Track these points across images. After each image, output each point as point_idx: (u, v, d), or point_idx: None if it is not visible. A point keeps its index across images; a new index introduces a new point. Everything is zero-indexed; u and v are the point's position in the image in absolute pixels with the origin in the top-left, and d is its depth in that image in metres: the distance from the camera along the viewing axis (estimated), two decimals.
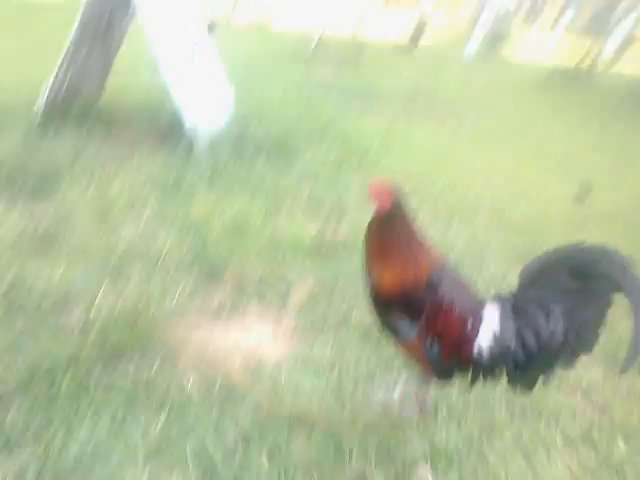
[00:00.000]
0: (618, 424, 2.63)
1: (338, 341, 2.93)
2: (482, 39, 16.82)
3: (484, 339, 2.05)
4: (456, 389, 2.68)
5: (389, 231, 2.11)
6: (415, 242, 2.14)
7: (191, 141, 4.98)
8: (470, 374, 2.16)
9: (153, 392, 2.39)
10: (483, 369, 2.12)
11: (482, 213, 4.84)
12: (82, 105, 5.41)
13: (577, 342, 1.99)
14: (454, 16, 30.18)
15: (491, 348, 2.05)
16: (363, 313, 3.14)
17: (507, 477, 2.25)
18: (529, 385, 2.11)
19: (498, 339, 2.04)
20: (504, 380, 2.13)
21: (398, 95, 9.27)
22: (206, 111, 5.28)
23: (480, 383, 2.17)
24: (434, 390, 2.64)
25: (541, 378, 2.08)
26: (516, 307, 2.07)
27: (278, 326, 3.01)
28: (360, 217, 4.15)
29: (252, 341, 2.85)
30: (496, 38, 17.55)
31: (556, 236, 4.49)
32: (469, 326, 2.07)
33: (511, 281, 3.44)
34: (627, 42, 17.54)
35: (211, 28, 9.02)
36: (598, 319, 1.97)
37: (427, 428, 2.43)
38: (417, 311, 2.09)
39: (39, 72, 5.43)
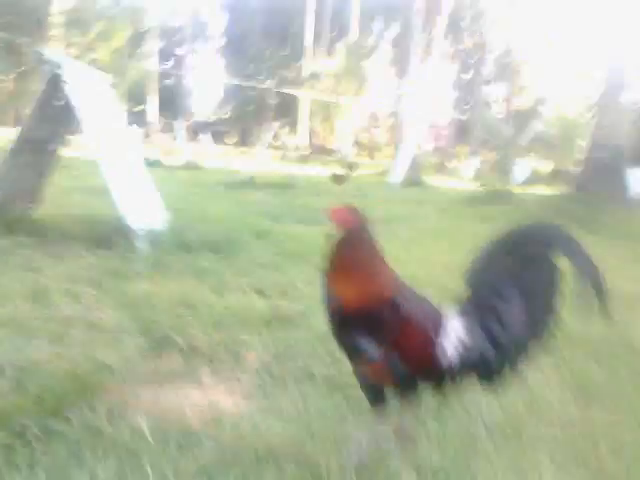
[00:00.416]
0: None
1: (303, 394, 2.73)
2: (403, 170, 17.94)
3: (449, 347, 2.00)
4: (435, 423, 2.52)
5: (353, 249, 2.09)
6: (378, 260, 2.12)
7: (131, 241, 4.88)
8: (441, 384, 2.07)
9: (101, 439, 2.12)
10: (454, 376, 2.04)
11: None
12: (15, 215, 5.29)
13: (543, 317, 1.98)
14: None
15: (458, 354, 2.00)
16: (326, 369, 2.98)
17: None
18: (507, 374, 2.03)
19: (463, 344, 2.00)
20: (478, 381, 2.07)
21: None
22: (146, 214, 5.26)
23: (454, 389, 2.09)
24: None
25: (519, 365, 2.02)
26: (474, 307, 2.04)
27: (236, 384, 2.79)
28: (310, 294, 4.07)
29: (209, 397, 2.62)
30: (416, 169, 18.76)
31: None
32: (432, 338, 2.02)
33: None
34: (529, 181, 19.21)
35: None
36: (553, 288, 1.98)
37: (407, 450, 2.23)
38: (380, 330, 2.02)
39: None
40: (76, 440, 2.09)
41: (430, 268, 5.77)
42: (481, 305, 2.02)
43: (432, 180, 20.22)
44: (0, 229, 4.75)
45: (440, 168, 33.45)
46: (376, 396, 2.13)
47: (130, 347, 2.89)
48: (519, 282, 1.98)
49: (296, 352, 3.19)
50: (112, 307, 3.38)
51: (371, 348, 2.03)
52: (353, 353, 2.11)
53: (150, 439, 2.16)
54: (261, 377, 2.88)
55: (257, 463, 2.07)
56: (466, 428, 2.52)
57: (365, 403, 2.60)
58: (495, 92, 46.89)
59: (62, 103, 5.32)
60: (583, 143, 17.72)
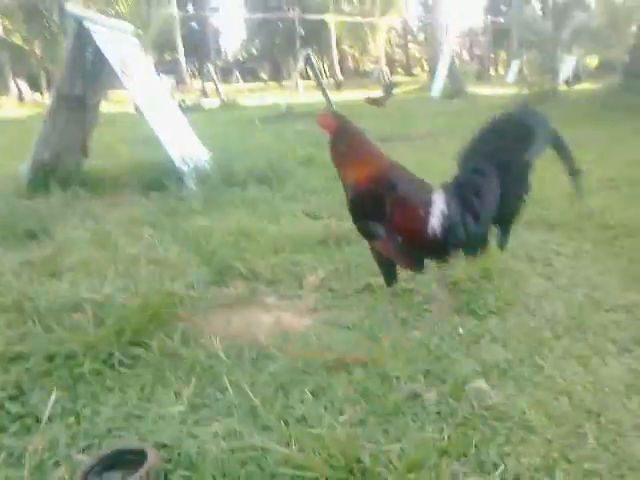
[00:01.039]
0: None
1: (364, 304, 2.82)
2: (442, 82, 17.41)
3: (436, 220, 2.32)
4: (495, 319, 2.57)
5: (343, 144, 2.48)
6: (367, 149, 2.50)
7: (180, 182, 5.00)
8: (434, 253, 2.46)
9: (180, 361, 2.26)
10: (442, 245, 2.37)
11: None
12: (65, 170, 5.45)
13: (516, 189, 2.33)
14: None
15: (442, 225, 2.32)
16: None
17: (565, 381, 2.08)
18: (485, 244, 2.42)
19: (447, 216, 2.31)
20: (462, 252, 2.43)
21: (377, 131, 9.43)
22: (191, 155, 5.34)
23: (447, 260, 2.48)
24: (472, 320, 2.57)
25: (498, 237, 2.45)
26: (457, 183, 2.39)
27: (299, 302, 2.90)
28: None
29: (275, 316, 2.73)
30: (456, 80, 18.16)
31: (557, 202, 4.43)
32: (422, 213, 2.34)
33: (524, 240, 3.62)
34: (576, 79, 18.35)
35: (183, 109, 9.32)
36: (527, 168, 2.33)
37: (472, 350, 2.30)
38: (381, 208, 2.36)
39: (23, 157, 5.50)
40: (158, 364, 2.24)
41: None
42: (463, 181, 2.37)
43: (474, 90, 19.59)
44: (56, 184, 4.93)
45: (481, 76, 32.34)
46: (388, 273, 2.61)
47: (195, 278, 3.01)
48: (497, 161, 2.29)
49: (352, 267, 3.27)
50: (172, 243, 3.51)
51: (378, 229, 2.40)
52: (366, 234, 2.50)
53: (225, 358, 2.29)
54: (322, 293, 2.98)
55: (327, 373, 2.17)
56: (526, 322, 2.56)
57: (423, 305, 2.73)
58: None
59: (91, 56, 5.39)
60: (634, 29, 16.70)
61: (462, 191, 2.34)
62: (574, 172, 2.33)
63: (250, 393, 2.01)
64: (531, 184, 2.34)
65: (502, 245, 2.49)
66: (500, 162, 2.29)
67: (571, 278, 3.05)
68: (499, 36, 45.68)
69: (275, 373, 2.16)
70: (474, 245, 2.40)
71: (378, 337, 2.42)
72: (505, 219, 2.40)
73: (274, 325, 2.63)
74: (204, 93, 21.85)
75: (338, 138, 2.47)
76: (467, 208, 2.31)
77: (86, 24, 4.95)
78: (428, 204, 2.34)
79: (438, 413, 1.91)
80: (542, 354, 2.27)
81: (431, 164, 6.16)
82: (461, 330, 2.47)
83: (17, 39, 30.37)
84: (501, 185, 2.29)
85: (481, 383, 2.06)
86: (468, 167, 2.37)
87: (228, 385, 2.08)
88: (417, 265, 2.50)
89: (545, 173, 5.18)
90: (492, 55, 38.09)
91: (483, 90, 20.87)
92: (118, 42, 5.51)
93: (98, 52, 5.12)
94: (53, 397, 1.97)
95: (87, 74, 5.60)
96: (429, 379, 2.11)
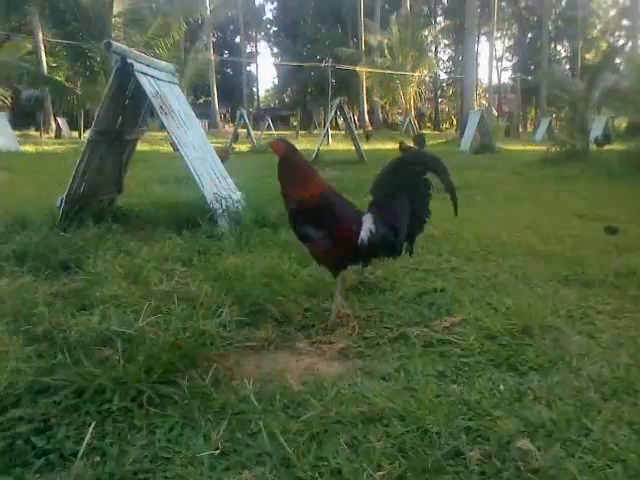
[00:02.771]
0: None
1: (399, 353, 2.73)
2: (471, 137, 17.51)
3: (364, 234, 2.94)
4: (537, 375, 2.46)
5: (288, 166, 3.06)
6: (308, 173, 3.11)
7: (213, 221, 5.01)
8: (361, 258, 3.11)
9: (210, 403, 2.19)
10: (369, 252, 3.01)
11: (515, 252, 4.72)
12: (100, 204, 5.50)
13: (423, 214, 3.06)
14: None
15: (369, 238, 2.93)
16: (418, 329, 2.97)
17: (618, 447, 1.96)
18: (400, 252, 3.06)
19: (373, 231, 2.93)
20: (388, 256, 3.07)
21: None
22: (223, 194, 5.36)
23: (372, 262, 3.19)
24: (513, 376, 2.48)
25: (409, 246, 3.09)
26: (377, 207, 3.02)
27: (331, 349, 2.81)
28: (396, 263, 4.04)
29: (307, 362, 2.66)
30: (486, 135, 18.24)
31: (593, 260, 4.35)
32: (354, 227, 2.96)
33: (563, 297, 3.52)
34: (606, 139, 18.39)
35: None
36: (427, 192, 3.05)
37: (515, 408, 2.19)
38: (318, 219, 2.99)
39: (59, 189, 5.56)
40: (187, 405, 2.17)
41: (513, 229, 5.63)
42: (382, 205, 3.00)
43: (503, 145, 19.66)
44: (90, 217, 4.96)
45: (510, 133, 32.51)
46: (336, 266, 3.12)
47: (226, 318, 2.95)
48: (405, 189, 2.98)
49: (385, 314, 3.21)
50: (204, 281, 3.47)
51: (313, 233, 3.01)
52: (305, 239, 3.10)
53: (256, 403, 2.21)
54: (354, 340, 2.90)
55: (363, 424, 2.08)
56: (570, 381, 2.44)
57: (461, 358, 2.64)
58: (562, 48, 45.03)
59: (132, 92, 5.49)
60: None
61: (384, 213, 2.96)
62: (453, 197, 2.98)
63: (283, 441, 1.93)
64: (430, 210, 3.05)
65: (411, 253, 3.14)
66: (406, 190, 2.98)
67: (614, 337, 2.94)
68: (527, 94, 46.19)
69: (308, 421, 2.08)
70: (393, 252, 3.03)
71: (414, 390, 2.32)
72: (412, 235, 3.06)
73: (306, 371, 2.55)
74: (235, 137, 22.20)
75: (285, 160, 3.05)
76: (388, 225, 2.94)
77: (129, 60, 5.06)
78: (359, 222, 2.96)
79: (482, 473, 1.81)
80: (590, 416, 2.15)
81: (466, 210, 6.14)
82: (502, 386, 2.37)
83: (59, 77, 31.26)
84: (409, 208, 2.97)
85: (527, 443, 1.96)
86: (382, 194, 3.02)
87: (263, 430, 2.00)
88: (340, 264, 3.10)
89: (582, 231, 5.13)
90: (520, 112, 38.31)
91: (511, 147, 20.94)
92: (159, 80, 5.61)
93: (139, 88, 5.22)
94: (89, 433, 1.91)
95: (127, 109, 5.70)
96: (471, 436, 2.01)
